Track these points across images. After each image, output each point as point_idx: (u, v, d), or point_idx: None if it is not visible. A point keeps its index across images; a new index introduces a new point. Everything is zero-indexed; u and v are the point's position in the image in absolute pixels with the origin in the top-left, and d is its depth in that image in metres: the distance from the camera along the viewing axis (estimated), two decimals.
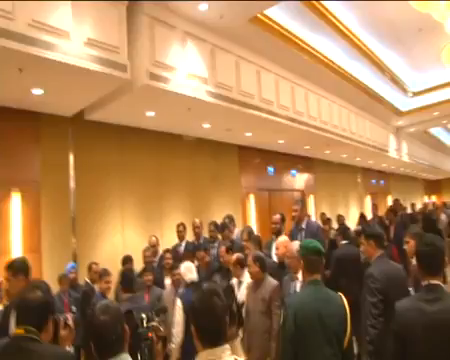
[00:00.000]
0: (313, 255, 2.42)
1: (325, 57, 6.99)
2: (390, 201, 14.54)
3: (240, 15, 4.94)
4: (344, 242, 5.08)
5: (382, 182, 15.77)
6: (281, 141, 8.29)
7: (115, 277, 4.55)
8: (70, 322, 2.05)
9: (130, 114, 5.58)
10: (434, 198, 20.36)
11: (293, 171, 10.38)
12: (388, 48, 7.61)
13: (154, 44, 4.52)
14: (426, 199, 19.59)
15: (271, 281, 3.55)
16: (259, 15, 5.27)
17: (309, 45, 6.50)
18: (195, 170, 7.22)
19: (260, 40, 5.71)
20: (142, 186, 6.30)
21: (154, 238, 5.63)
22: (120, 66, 4.20)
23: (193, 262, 4.38)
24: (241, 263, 3.95)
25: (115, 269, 4.68)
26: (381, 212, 11.15)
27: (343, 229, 5.65)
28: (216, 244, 5.38)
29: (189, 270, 3.90)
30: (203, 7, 4.65)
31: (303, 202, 5.82)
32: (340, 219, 8.99)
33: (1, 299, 3.83)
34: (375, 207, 10.86)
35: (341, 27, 6.35)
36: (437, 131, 14.65)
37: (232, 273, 4.08)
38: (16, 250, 4.71)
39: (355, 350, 3.04)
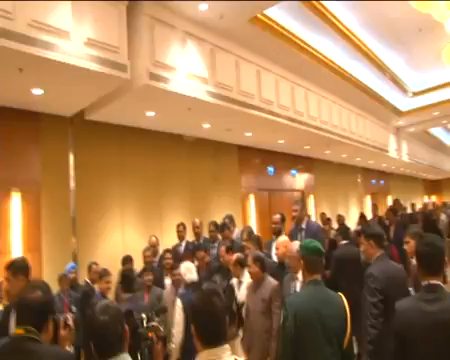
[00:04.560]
0: (313, 255, 2.42)
1: (325, 57, 6.99)
2: (390, 201, 14.54)
3: (240, 15, 4.95)
4: (344, 242, 5.09)
5: (382, 182, 15.76)
6: (281, 141, 8.30)
7: (115, 277, 4.56)
8: (70, 322, 2.05)
9: (130, 114, 5.58)
10: (434, 198, 20.36)
11: (293, 171, 10.38)
12: (388, 48, 7.61)
13: (154, 44, 4.52)
14: (426, 199, 19.58)
15: (271, 281, 3.55)
16: (259, 15, 5.27)
17: (309, 45, 6.51)
18: (195, 170, 7.22)
19: (260, 40, 5.71)
20: (142, 186, 6.30)
21: (154, 238, 5.63)
22: (120, 66, 4.20)
23: (193, 262, 4.39)
24: (241, 263, 3.95)
25: (115, 269, 4.69)
26: (381, 212, 11.13)
27: (343, 229, 5.66)
28: (216, 244, 5.38)
29: (189, 270, 3.90)
30: (203, 7, 4.65)
31: (303, 202, 5.82)
32: (340, 219, 9.00)
33: (1, 299, 3.83)
34: (375, 207, 10.84)
35: (341, 27, 6.35)
36: (437, 131, 14.65)
37: (232, 273, 4.08)
38: (16, 250, 4.71)
39: (355, 350, 3.04)
